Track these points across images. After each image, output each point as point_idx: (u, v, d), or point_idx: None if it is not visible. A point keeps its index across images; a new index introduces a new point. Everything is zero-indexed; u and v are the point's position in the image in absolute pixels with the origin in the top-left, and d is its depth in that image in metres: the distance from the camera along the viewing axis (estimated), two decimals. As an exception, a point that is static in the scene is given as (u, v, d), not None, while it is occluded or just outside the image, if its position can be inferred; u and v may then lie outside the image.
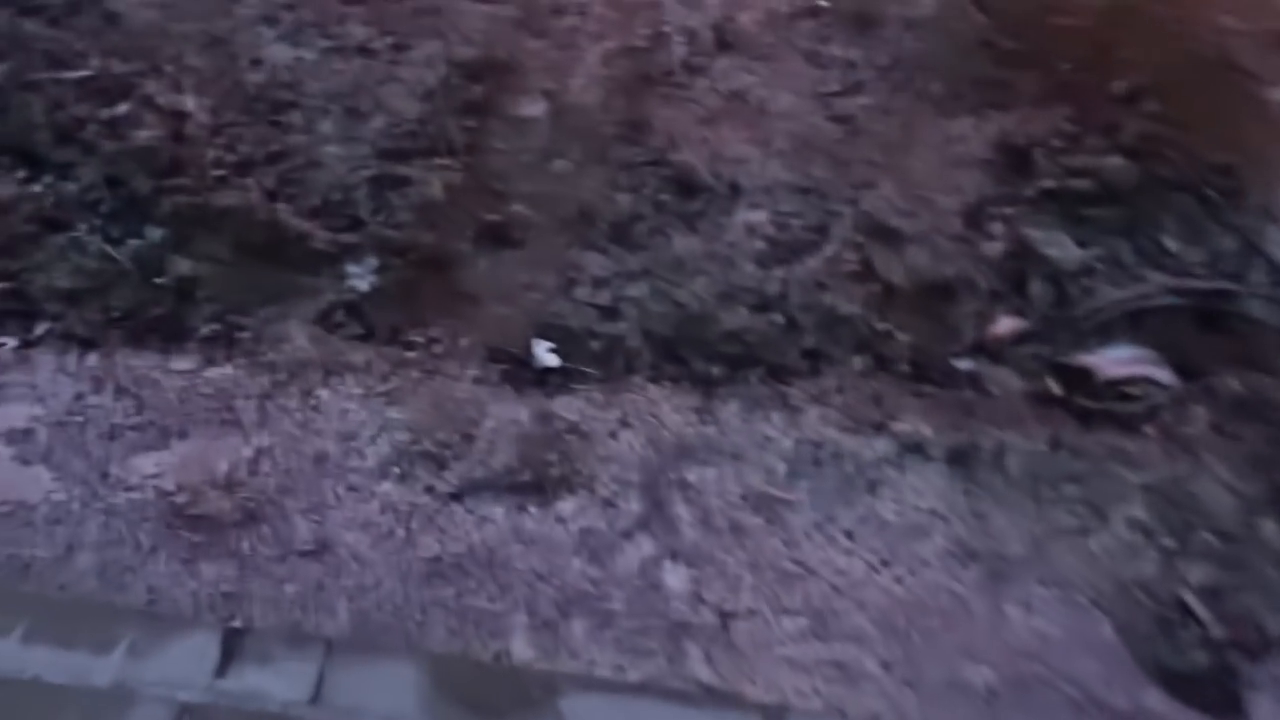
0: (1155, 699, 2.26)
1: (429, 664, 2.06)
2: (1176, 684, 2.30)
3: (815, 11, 3.67)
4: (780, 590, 2.36)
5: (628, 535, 2.45)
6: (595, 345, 2.87)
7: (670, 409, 2.74)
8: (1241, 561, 2.48)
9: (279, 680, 2.00)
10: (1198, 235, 3.05)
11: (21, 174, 2.93)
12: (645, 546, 2.43)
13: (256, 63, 3.27)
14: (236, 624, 2.13)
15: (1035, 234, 3.07)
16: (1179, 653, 2.35)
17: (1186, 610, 2.41)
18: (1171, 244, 3.05)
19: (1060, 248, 3.05)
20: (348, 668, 2.03)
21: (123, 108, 3.06)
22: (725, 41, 3.57)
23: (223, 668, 2.02)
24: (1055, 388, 2.83)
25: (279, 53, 3.31)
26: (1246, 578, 2.45)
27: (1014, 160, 3.23)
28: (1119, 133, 3.20)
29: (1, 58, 3.11)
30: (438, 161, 3.16)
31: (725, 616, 2.30)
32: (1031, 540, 2.49)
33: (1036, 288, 3.00)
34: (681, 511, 2.51)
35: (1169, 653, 2.35)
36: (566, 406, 2.72)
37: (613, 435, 2.66)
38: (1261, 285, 2.95)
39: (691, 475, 2.58)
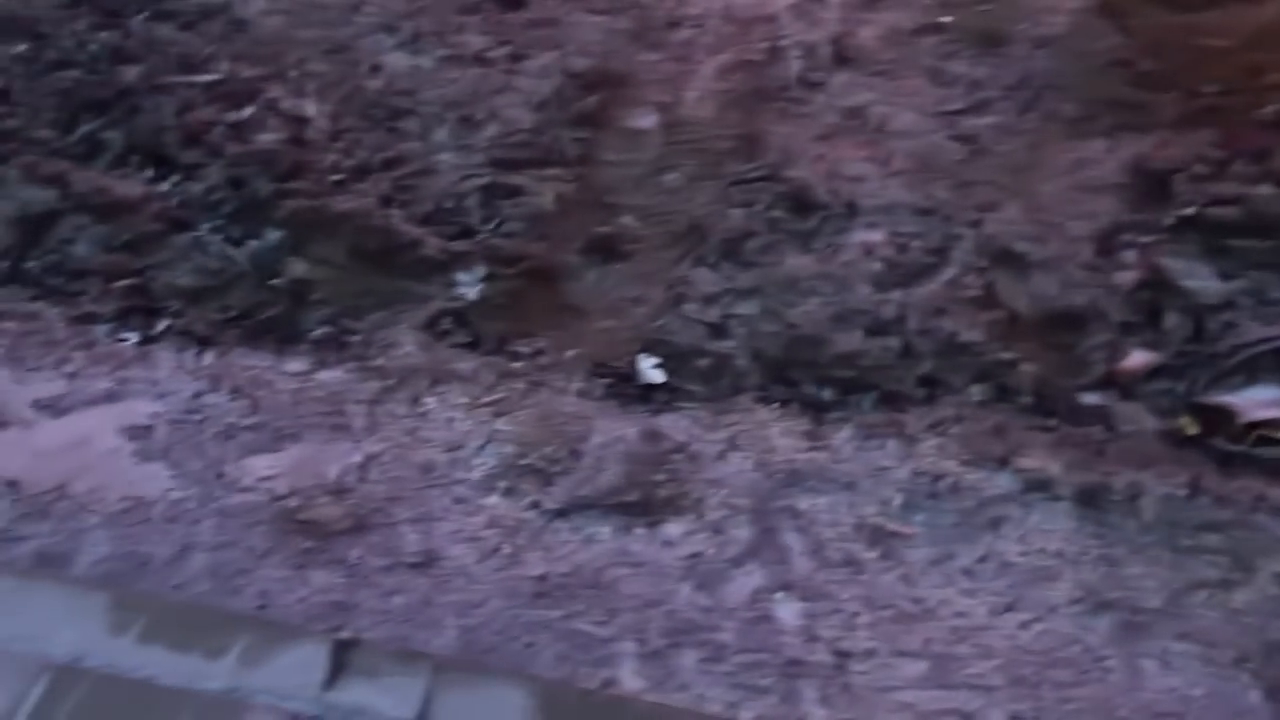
0: (1307, 772, 2.10)
1: (537, 689, 2.01)
2: (1328, 756, 2.13)
3: (939, 27, 3.54)
4: (898, 630, 2.25)
5: (737, 563, 2.37)
6: (702, 363, 2.80)
7: (779, 432, 2.65)
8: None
9: (386, 696, 1.98)
10: (1354, 271, 2.85)
11: (150, 174, 3.00)
12: (755, 576, 2.35)
13: (375, 70, 3.29)
14: (345, 635, 2.12)
15: (1172, 264, 2.91)
16: (1332, 723, 2.17)
17: (1340, 677, 2.23)
18: (1325, 280, 2.86)
19: (1200, 279, 2.88)
20: (455, 688, 1.99)
21: (247, 112, 3.10)
22: (844, 56, 3.47)
23: (331, 680, 2.00)
24: (1191, 428, 2.67)
25: (397, 60, 3.33)
26: None
27: (1151, 186, 3.07)
28: (1269, 159, 3.01)
29: (135, 60, 3.19)
30: (549, 172, 3.13)
31: (840, 655, 2.21)
32: (1168, 592, 2.34)
33: (1172, 321, 2.84)
34: (792, 541, 2.42)
35: (1321, 722, 2.17)
36: (673, 425, 2.65)
37: (721, 457, 2.59)
38: None
39: (802, 503, 2.50)
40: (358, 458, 2.49)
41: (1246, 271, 2.87)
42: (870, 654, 2.21)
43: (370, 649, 2.05)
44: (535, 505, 2.45)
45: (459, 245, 2.97)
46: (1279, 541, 2.44)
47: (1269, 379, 2.72)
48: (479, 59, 3.37)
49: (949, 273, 2.95)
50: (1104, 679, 2.18)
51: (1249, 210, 2.93)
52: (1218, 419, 2.67)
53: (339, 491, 2.42)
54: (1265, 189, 2.95)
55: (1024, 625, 2.27)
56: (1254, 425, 2.65)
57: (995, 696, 2.14)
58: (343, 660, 2.01)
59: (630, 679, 2.14)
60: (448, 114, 3.21)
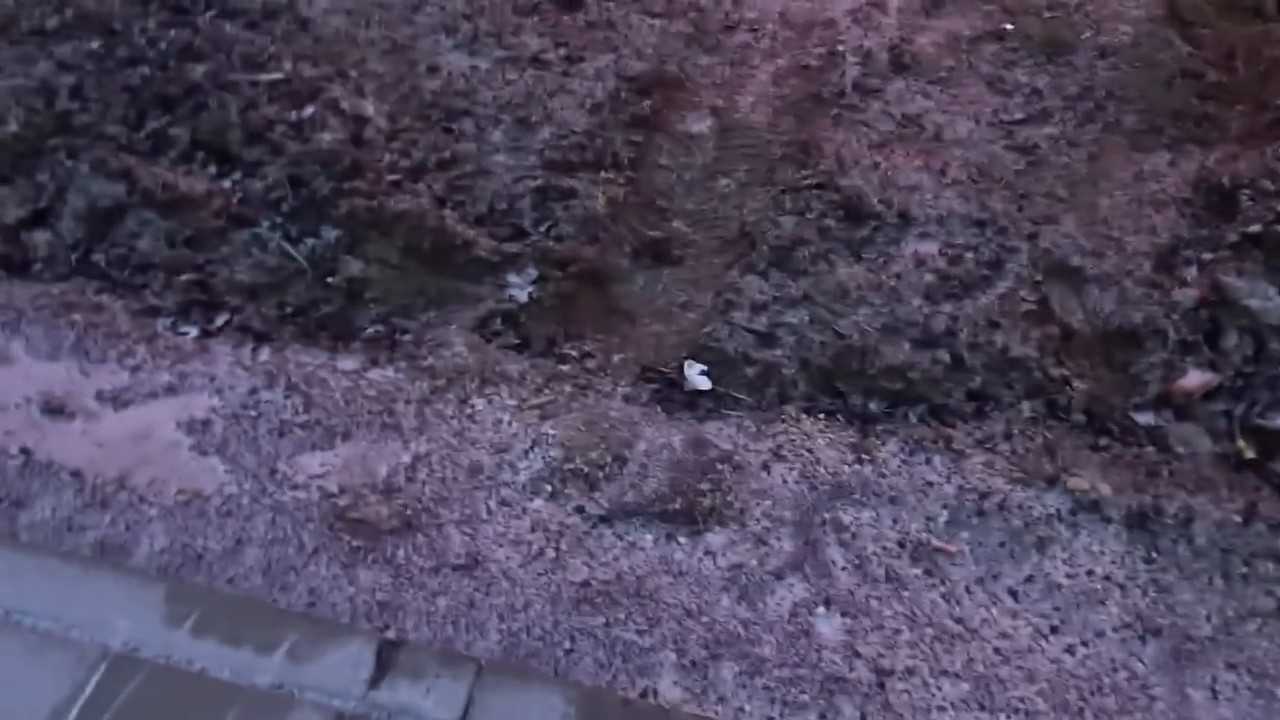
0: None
1: (578, 696, 2.03)
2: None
3: (999, 35, 3.49)
4: (940, 650, 2.23)
5: (779, 576, 2.37)
6: (749, 371, 2.80)
7: (825, 444, 2.64)
8: None
9: (429, 698, 2.01)
10: None
11: (213, 170, 3.06)
12: (797, 589, 2.34)
13: (433, 70, 3.33)
14: (391, 635, 2.16)
15: (1235, 282, 2.84)
16: (1388, 762, 2.12)
17: (1399, 715, 2.17)
18: (1396, 302, 2.77)
19: (1263, 298, 2.81)
20: (497, 691, 2.02)
21: (309, 110, 3.16)
22: (901, 63, 3.44)
23: (377, 679, 2.04)
24: (1249, 451, 2.61)
25: (455, 61, 3.36)
26: None
27: (1215, 201, 3.00)
28: (1341, 177, 2.92)
29: (202, 58, 3.25)
30: (602, 175, 3.15)
31: (881, 674, 2.20)
32: (1220, 620, 2.29)
33: (1232, 340, 2.77)
34: (835, 555, 2.41)
35: (1377, 762, 2.12)
36: (718, 433, 2.66)
37: (765, 468, 2.59)
38: None
39: (846, 516, 2.49)
40: (406, 458, 2.53)
41: (1313, 292, 2.80)
42: (911, 673, 2.20)
43: (415, 650, 2.09)
44: (580, 510, 2.47)
45: (511, 247, 2.99)
46: (1338, 573, 2.38)
47: (1333, 404, 2.65)
48: (536, 60, 3.39)
49: (1003, 286, 2.91)
50: (1150, 707, 2.15)
51: (1318, 230, 2.86)
52: (1277, 443, 2.61)
53: (388, 491, 2.46)
54: (1336, 208, 2.87)
55: (1069, 649, 2.24)
56: (1315, 451, 2.58)
57: (1038, 722, 2.13)
58: (388, 660, 2.05)
59: (669, 690, 2.15)
60: (503, 115, 3.24)
